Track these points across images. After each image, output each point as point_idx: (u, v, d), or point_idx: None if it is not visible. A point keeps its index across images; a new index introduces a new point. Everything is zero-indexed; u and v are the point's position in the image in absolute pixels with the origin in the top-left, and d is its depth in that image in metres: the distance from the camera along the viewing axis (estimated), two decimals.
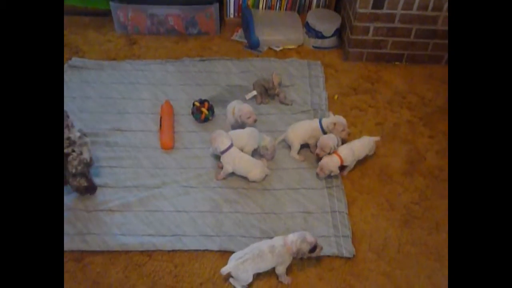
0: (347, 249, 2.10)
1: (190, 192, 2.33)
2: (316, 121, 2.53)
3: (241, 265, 1.87)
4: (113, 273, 2.01)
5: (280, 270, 1.95)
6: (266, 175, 2.39)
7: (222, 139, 2.31)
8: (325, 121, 2.50)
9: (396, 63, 3.25)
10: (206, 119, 2.68)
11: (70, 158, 2.08)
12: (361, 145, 2.45)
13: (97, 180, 2.32)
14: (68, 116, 2.19)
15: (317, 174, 2.37)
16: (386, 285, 2.02)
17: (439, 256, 2.13)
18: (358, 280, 2.03)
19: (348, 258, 2.09)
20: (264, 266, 1.92)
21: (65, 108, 2.20)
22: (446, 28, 3.05)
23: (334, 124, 2.46)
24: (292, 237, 1.92)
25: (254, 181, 2.36)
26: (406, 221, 2.27)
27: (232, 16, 3.54)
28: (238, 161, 2.32)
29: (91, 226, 2.15)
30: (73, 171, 2.10)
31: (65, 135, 2.09)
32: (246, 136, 2.43)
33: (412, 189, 2.42)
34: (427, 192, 2.41)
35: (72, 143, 2.10)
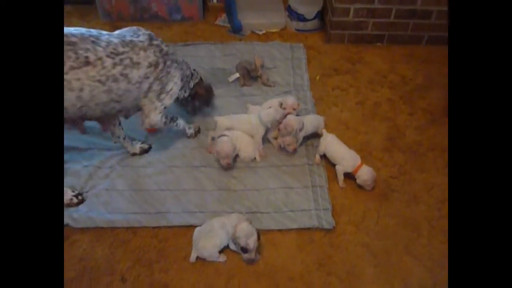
0: (327, 221, 2.17)
1: (175, 171, 2.38)
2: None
3: (197, 245, 1.99)
4: (99, 250, 2.06)
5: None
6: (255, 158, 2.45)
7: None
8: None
9: (377, 44, 3.31)
10: None
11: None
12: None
13: (83, 162, 2.37)
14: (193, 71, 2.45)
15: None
16: (364, 255, 2.08)
17: (416, 226, 2.20)
18: (337, 251, 2.09)
19: (328, 230, 2.15)
20: (219, 242, 2.00)
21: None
22: (425, 8, 3.10)
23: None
24: (243, 226, 1.97)
25: (242, 159, 2.42)
26: (385, 195, 2.34)
27: (215, 1, 3.57)
28: (240, 138, 2.40)
29: (79, 206, 2.20)
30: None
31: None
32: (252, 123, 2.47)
33: (391, 164, 2.48)
34: (406, 166, 2.48)
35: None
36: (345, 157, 2.34)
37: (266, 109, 2.46)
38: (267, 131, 2.48)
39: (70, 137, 2.45)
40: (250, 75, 2.88)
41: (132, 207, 2.21)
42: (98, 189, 2.28)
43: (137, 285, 1.95)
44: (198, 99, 2.56)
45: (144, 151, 2.46)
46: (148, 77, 2.11)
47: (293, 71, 3.02)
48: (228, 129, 2.45)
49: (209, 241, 1.98)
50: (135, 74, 2.05)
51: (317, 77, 3.00)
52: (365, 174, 2.29)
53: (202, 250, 1.98)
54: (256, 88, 2.89)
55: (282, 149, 2.47)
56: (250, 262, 1.99)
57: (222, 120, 2.48)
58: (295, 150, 2.45)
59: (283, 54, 3.15)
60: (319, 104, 2.79)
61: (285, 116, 2.42)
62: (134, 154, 2.44)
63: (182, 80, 2.33)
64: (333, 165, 2.39)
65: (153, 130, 2.56)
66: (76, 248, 2.07)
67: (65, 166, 2.35)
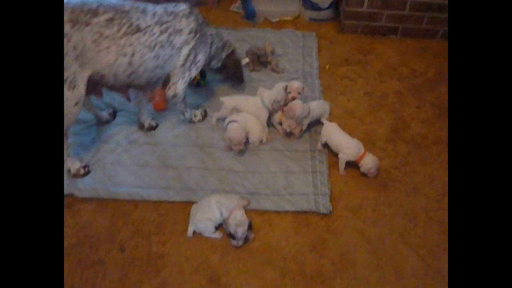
0: (324, 206, 2.19)
1: (178, 149, 2.44)
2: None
3: (194, 218, 2.05)
4: (100, 220, 2.13)
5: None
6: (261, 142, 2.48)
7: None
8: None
9: (391, 36, 3.29)
10: (198, 84, 2.77)
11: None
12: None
13: (90, 136, 2.45)
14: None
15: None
16: (358, 241, 2.10)
17: (413, 216, 2.21)
18: (332, 235, 2.12)
19: (325, 215, 2.18)
20: (213, 217, 2.04)
21: None
22: (441, 1, 3.07)
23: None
24: (237, 215, 2.01)
25: (252, 143, 2.45)
26: (385, 184, 2.35)
27: None
28: (250, 122, 2.44)
29: (85, 177, 2.28)
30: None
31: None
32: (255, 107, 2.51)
33: (394, 155, 2.49)
34: (408, 158, 2.48)
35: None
36: (349, 145, 2.35)
37: (268, 91, 2.49)
38: (271, 115, 2.51)
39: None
40: (259, 60, 2.91)
41: (135, 181, 2.28)
42: (104, 162, 2.35)
43: (135, 255, 2.01)
44: (226, 71, 2.67)
45: (151, 128, 2.52)
46: (188, 43, 2.26)
47: (303, 59, 3.04)
48: (234, 109, 2.49)
49: (205, 214, 2.03)
50: (177, 40, 2.22)
51: (327, 66, 3.01)
52: (369, 162, 2.31)
53: (198, 223, 2.04)
54: (265, 74, 2.92)
55: (287, 134, 2.49)
56: (235, 247, 2.03)
57: (227, 100, 2.52)
58: (300, 132, 2.47)
59: (294, 42, 3.17)
60: (327, 93, 2.81)
61: (290, 100, 2.44)
62: (141, 127, 2.51)
63: (211, 52, 2.49)
64: (335, 153, 2.40)
65: (160, 108, 2.62)
66: (79, 216, 2.14)
67: (74, 138, 2.43)
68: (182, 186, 2.26)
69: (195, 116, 2.56)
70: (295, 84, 2.52)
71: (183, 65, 2.29)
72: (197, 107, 2.63)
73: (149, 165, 2.35)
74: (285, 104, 2.45)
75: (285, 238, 2.09)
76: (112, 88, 2.22)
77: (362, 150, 2.34)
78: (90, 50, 1.97)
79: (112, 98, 2.64)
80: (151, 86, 2.35)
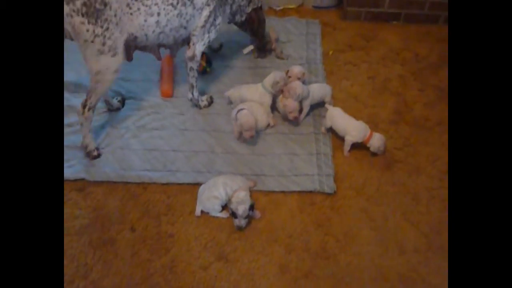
0: (328, 186, 2.25)
1: (186, 134, 2.50)
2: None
3: (201, 197, 2.12)
4: (111, 202, 2.20)
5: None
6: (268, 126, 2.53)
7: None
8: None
9: (394, 22, 3.32)
10: (204, 71, 2.82)
11: None
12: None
13: (100, 122, 2.52)
14: None
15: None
16: (362, 219, 2.16)
17: (415, 195, 2.26)
18: (336, 213, 2.17)
19: (329, 195, 2.24)
20: (219, 196, 2.11)
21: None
22: None
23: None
24: (240, 194, 2.08)
25: (260, 129, 2.49)
26: (388, 164, 2.39)
27: None
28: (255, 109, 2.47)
29: (95, 160, 2.35)
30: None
31: None
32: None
33: (397, 136, 2.53)
34: (411, 139, 2.52)
35: None
36: (356, 128, 2.39)
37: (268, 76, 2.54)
38: (275, 99, 2.56)
39: None
40: (264, 47, 2.96)
41: (144, 165, 2.34)
42: (113, 147, 2.42)
43: (145, 235, 2.08)
44: (249, 26, 2.79)
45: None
46: (209, 5, 2.34)
47: (307, 45, 3.08)
48: (239, 99, 2.55)
49: (211, 193, 2.09)
50: (198, 0, 2.29)
51: (330, 52, 3.05)
52: (377, 141, 2.36)
53: (205, 202, 2.10)
54: (270, 61, 2.96)
55: (285, 117, 2.53)
56: (238, 228, 2.08)
57: (231, 93, 2.59)
58: (296, 119, 2.49)
59: (298, 29, 3.21)
60: (330, 77, 2.85)
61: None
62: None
63: (232, 10, 2.60)
64: (339, 136, 2.45)
65: (168, 95, 2.68)
66: (91, 199, 2.21)
67: None
68: (190, 169, 2.32)
69: (202, 100, 2.62)
70: (296, 69, 2.56)
71: (203, 26, 2.37)
72: (202, 93, 2.68)
73: (157, 149, 2.42)
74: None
75: (290, 217, 2.15)
76: (143, 49, 2.37)
77: (369, 131, 2.38)
78: (125, 14, 2.08)
79: (120, 86, 2.71)
80: (177, 46, 2.49)
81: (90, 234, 2.08)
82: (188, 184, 2.26)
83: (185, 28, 2.34)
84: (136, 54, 2.49)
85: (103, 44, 2.03)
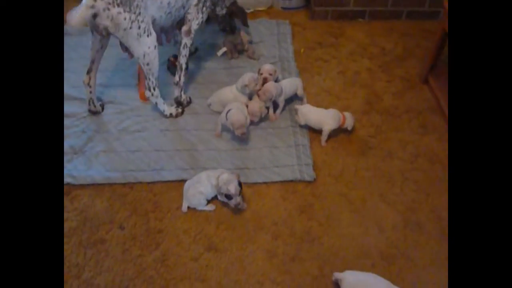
0: (308, 174, 2.36)
1: (167, 134, 2.57)
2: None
3: (186, 194, 2.18)
4: (98, 203, 2.24)
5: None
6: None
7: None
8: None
9: (359, 19, 3.49)
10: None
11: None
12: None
13: (81, 127, 2.55)
14: None
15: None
16: (342, 202, 2.27)
17: (390, 178, 2.39)
18: (318, 199, 2.28)
19: (309, 182, 2.34)
20: (204, 191, 2.18)
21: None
22: None
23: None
24: (223, 176, 2.15)
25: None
26: (363, 151, 2.52)
27: None
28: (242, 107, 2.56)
29: (79, 165, 2.38)
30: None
31: None
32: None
33: (369, 125, 2.67)
34: (382, 126, 2.66)
35: None
36: (331, 116, 2.51)
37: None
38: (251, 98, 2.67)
39: (69, 103, 2.64)
40: (236, 48, 3.06)
41: (129, 165, 2.39)
42: (96, 150, 2.45)
43: (135, 232, 2.13)
44: (232, 17, 3.03)
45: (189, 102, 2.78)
46: None
47: (278, 45, 3.20)
48: (221, 103, 2.63)
49: (196, 189, 2.16)
50: None
51: (302, 50, 3.18)
52: (350, 119, 2.54)
53: (191, 198, 2.17)
54: (243, 61, 3.07)
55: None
56: (238, 207, 2.16)
57: (212, 99, 2.69)
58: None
59: (269, 30, 3.33)
60: (303, 74, 2.97)
61: (263, 82, 2.59)
62: (178, 104, 2.72)
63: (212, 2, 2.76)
64: (315, 129, 2.56)
65: (146, 98, 2.74)
66: (77, 202, 2.24)
67: (66, 131, 2.53)
68: (174, 167, 2.39)
69: (183, 99, 2.71)
70: (267, 66, 2.67)
71: (197, 5, 2.58)
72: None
73: (140, 150, 2.47)
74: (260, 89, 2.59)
75: (274, 206, 2.24)
76: (159, 31, 2.51)
77: (341, 115, 2.52)
78: None
79: (99, 91, 2.75)
80: (173, 29, 2.68)
81: (79, 235, 2.11)
82: (173, 181, 2.32)
83: (183, 8, 2.53)
84: (114, 59, 2.55)
85: (139, 27, 2.21)
